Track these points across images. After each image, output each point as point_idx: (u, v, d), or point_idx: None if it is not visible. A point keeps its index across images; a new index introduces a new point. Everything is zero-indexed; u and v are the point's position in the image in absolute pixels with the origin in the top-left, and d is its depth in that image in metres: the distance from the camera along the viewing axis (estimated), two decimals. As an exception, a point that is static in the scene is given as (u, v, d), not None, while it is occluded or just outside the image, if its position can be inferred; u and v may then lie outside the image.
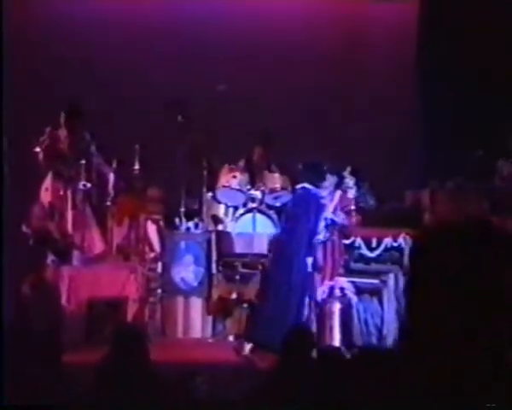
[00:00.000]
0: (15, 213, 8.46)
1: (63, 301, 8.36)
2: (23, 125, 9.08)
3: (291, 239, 8.36)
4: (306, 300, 8.19)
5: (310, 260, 8.24)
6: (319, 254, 8.42)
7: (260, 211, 9.44)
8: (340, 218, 8.71)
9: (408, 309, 1.95)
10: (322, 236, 8.44)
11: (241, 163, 9.63)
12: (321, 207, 8.38)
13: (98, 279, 8.72)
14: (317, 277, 8.39)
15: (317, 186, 8.51)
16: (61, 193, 8.96)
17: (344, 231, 8.73)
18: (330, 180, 8.76)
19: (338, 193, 8.78)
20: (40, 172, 8.99)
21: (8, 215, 7.62)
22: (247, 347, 8.15)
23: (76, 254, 8.94)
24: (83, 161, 8.94)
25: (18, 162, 8.77)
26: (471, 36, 10.78)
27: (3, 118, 7.45)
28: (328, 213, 8.55)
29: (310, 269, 8.24)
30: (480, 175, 9.32)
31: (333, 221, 8.59)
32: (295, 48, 11.25)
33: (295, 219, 8.42)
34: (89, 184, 9.01)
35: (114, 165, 9.13)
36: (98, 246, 9.09)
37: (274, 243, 8.91)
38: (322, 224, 8.41)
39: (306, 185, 8.44)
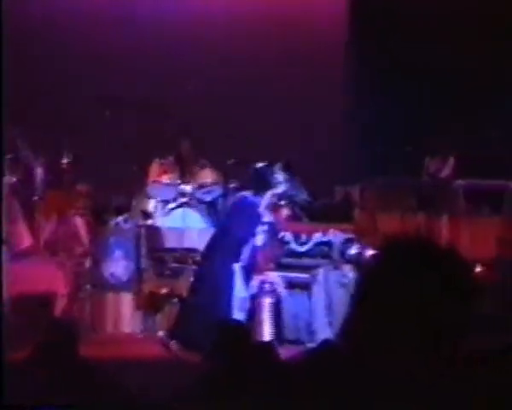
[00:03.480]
0: None
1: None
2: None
3: (221, 245, 8.26)
4: (234, 297, 8.13)
5: (237, 266, 8.17)
6: (250, 250, 8.39)
7: (191, 205, 9.41)
8: (269, 215, 8.70)
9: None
10: (259, 241, 8.38)
11: (171, 158, 9.58)
12: (256, 217, 8.31)
13: (25, 275, 8.58)
14: (247, 273, 8.36)
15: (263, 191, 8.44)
16: (-14, 187, 8.78)
17: (274, 227, 8.74)
18: (282, 177, 8.73)
19: (268, 193, 8.75)
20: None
21: None
22: (173, 344, 8.09)
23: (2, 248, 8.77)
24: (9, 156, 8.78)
25: None
26: (401, 32, 10.91)
27: None
28: (267, 218, 8.50)
29: (238, 269, 8.18)
30: (407, 171, 9.46)
31: (270, 224, 8.57)
32: (225, 41, 11.23)
33: (228, 226, 8.34)
34: (14, 179, 8.85)
35: (42, 159, 8.99)
36: (25, 240, 8.94)
37: (204, 242, 8.84)
38: (260, 229, 8.35)
39: (245, 194, 8.40)
